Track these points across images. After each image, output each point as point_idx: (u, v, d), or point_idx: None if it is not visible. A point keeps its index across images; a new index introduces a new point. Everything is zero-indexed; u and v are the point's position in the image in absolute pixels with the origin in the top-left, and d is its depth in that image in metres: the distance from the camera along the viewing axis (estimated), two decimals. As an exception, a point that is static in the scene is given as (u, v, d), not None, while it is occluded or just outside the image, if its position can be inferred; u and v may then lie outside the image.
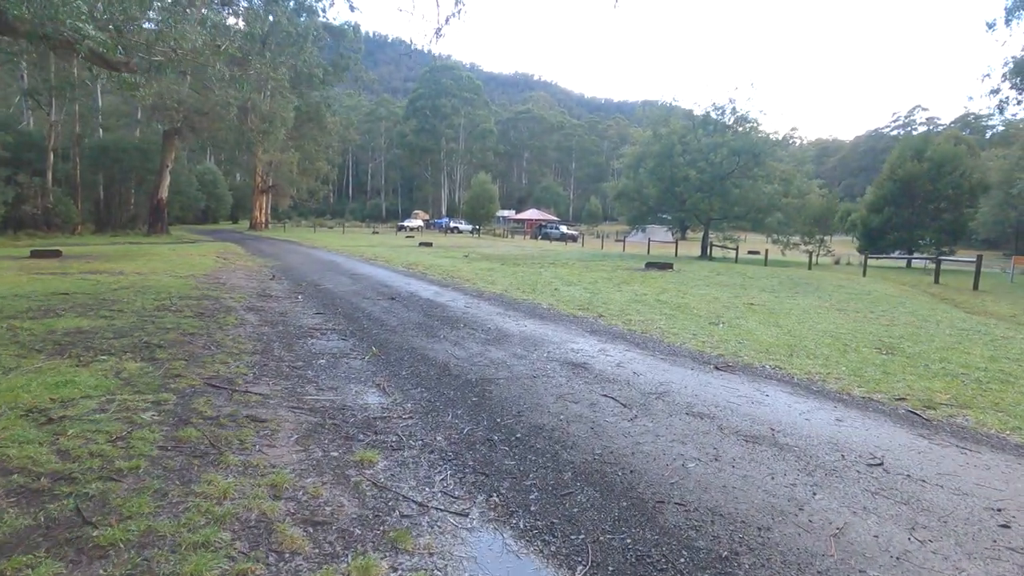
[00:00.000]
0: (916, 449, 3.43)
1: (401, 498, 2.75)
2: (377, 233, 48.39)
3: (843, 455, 3.28)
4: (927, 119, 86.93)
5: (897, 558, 2.27)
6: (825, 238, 34.05)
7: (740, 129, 30.65)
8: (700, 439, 3.46)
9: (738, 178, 29.25)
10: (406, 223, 60.31)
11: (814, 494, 2.79)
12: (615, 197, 34.48)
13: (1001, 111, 30.01)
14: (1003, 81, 36.27)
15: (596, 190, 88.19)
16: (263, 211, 45.90)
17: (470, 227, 57.31)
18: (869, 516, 2.60)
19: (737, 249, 29.68)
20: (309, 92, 40.53)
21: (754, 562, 2.25)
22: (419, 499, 2.74)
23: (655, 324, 7.43)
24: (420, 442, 3.43)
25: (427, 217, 72.41)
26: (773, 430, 3.63)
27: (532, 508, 2.67)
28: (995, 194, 34.04)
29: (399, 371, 4.92)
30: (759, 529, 2.48)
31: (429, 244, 29.19)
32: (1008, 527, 2.54)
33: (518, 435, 3.52)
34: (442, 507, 2.67)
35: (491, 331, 6.62)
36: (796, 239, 32.96)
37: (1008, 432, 3.82)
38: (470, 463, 3.15)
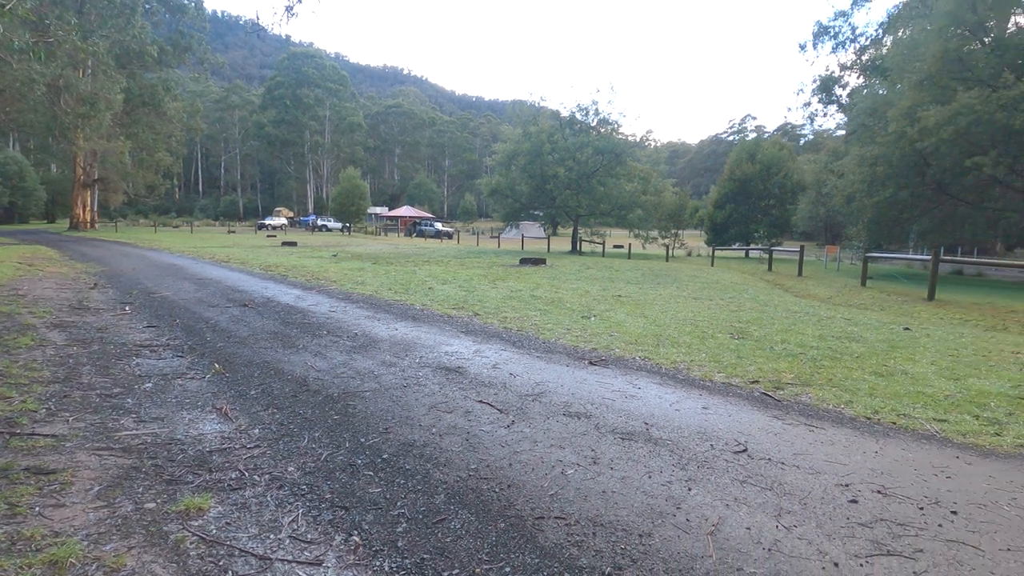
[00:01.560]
0: (773, 431, 3.62)
1: (237, 553, 2.25)
2: (233, 232, 44.17)
3: (712, 444, 3.35)
4: (756, 127, 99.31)
5: (769, 549, 2.28)
6: (679, 232, 37.29)
7: (603, 130, 32.39)
8: (578, 441, 3.34)
9: (603, 176, 30.88)
10: (268, 221, 55.85)
11: (689, 490, 2.77)
12: (489, 194, 34.74)
13: (811, 121, 34.91)
14: (812, 96, 42.17)
15: (470, 187, 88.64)
16: (87, 208, 39.61)
17: (340, 225, 54.53)
18: (741, 507, 2.61)
19: (604, 244, 31.37)
20: (142, 73, 35.62)
21: (637, 575, 2.12)
22: (261, 551, 2.27)
23: (530, 320, 7.38)
24: (267, 476, 2.91)
25: (292, 215, 67.70)
26: (647, 424, 3.63)
27: (399, 544, 2.33)
28: (809, 193, 39.61)
29: (247, 390, 4.26)
30: (640, 536, 2.37)
31: (293, 244, 27.12)
32: (856, 502, 2.70)
33: (385, 456, 3.14)
34: (290, 558, 2.23)
35: (358, 337, 6.09)
36: (655, 234, 35.68)
37: (843, 406, 4.21)
38: (328, 496, 2.71)
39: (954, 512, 2.64)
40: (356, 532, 2.41)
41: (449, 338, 6.19)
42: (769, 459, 3.17)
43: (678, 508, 2.59)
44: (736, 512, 2.57)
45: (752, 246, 33.56)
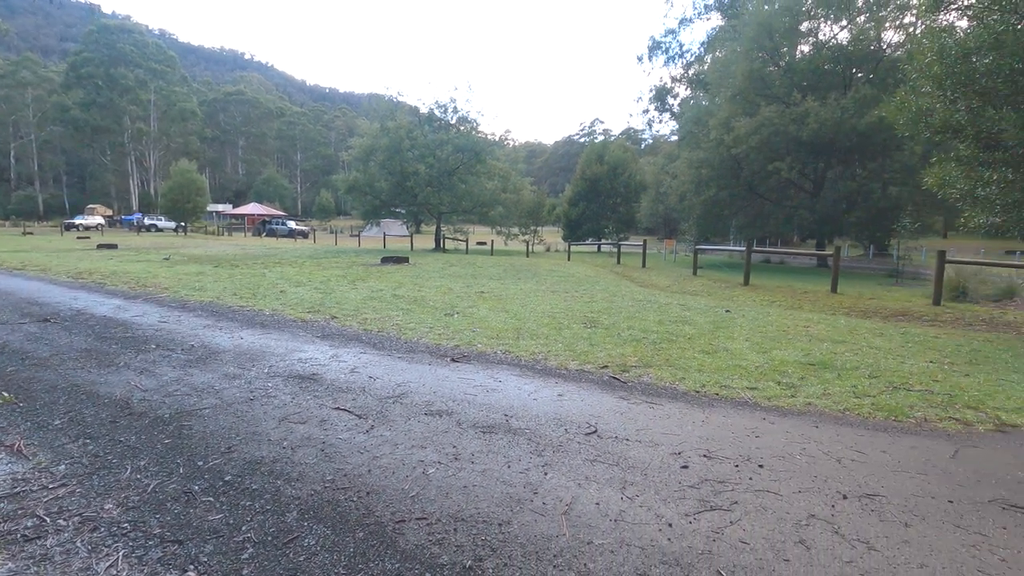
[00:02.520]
0: (619, 411, 3.94)
1: (35, 615, 1.90)
2: (31, 234, 37.24)
3: (566, 429, 3.55)
4: (604, 130, 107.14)
5: (615, 520, 2.48)
6: (538, 229, 39.02)
7: (462, 128, 32.67)
8: (440, 439, 3.34)
9: (464, 174, 31.17)
10: (79, 220, 47.94)
11: (546, 474, 2.91)
12: (346, 191, 33.28)
13: (650, 127, 38.53)
14: (650, 104, 46.40)
15: (326, 183, 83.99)
16: None
17: (173, 225, 48.54)
18: (591, 485, 2.81)
19: (467, 241, 31.73)
20: None
21: (497, 564, 2.18)
22: (68, 607, 1.94)
23: (392, 320, 7.22)
24: (76, 518, 2.50)
25: (110, 213, 58.87)
26: (507, 416, 3.75)
27: (245, 572, 2.14)
28: (650, 192, 43.80)
29: (49, 421, 3.61)
30: (500, 525, 2.43)
31: (113, 246, 23.56)
32: (687, 467, 3.05)
33: (228, 478, 2.86)
34: (106, 609, 1.93)
35: (195, 350, 5.47)
36: (515, 230, 36.94)
37: (677, 382, 4.72)
38: (157, 531, 2.40)
39: (761, 466, 3.09)
40: (192, 566, 2.17)
41: (303, 344, 5.82)
42: (616, 437, 3.44)
43: (535, 493, 2.71)
44: (587, 490, 2.75)
45: (603, 241, 36.19)
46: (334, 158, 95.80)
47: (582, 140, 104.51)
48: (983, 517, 2.60)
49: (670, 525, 2.45)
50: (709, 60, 37.67)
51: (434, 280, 12.70)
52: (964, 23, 8.36)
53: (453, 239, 33.36)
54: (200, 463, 3.02)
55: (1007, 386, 4.84)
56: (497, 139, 34.64)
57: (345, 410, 3.82)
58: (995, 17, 7.44)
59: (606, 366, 5.17)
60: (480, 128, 33.12)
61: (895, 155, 20.61)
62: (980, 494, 2.83)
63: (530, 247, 33.60)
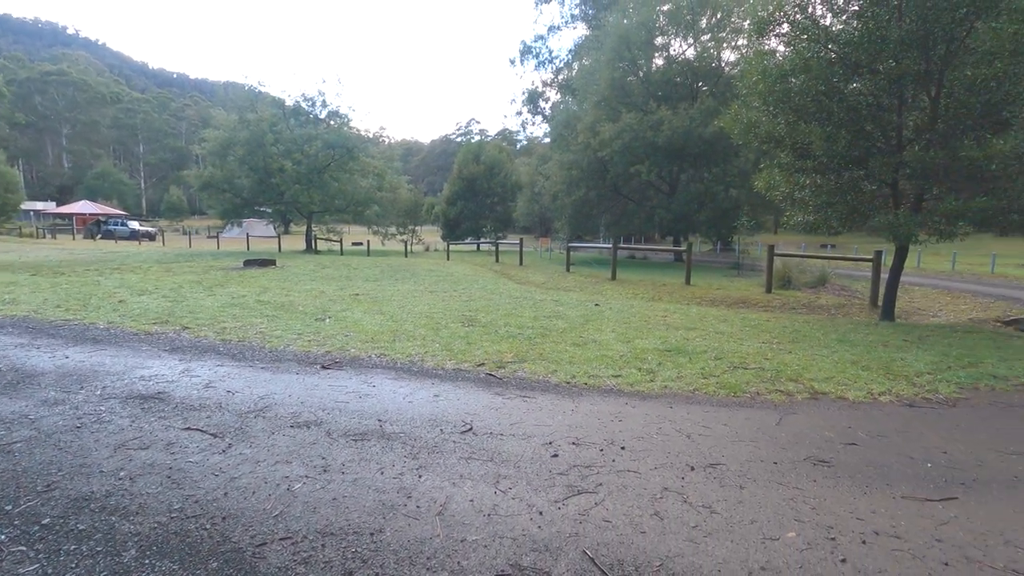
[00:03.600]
0: (495, 407, 4.01)
1: None
2: None
3: (442, 429, 3.54)
4: (480, 130, 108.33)
5: (488, 515, 2.52)
6: (416, 228, 38.48)
7: (332, 123, 31.19)
8: (308, 452, 3.16)
9: (336, 171, 29.78)
10: None
11: (420, 477, 2.88)
12: (200, 188, 30.23)
13: (524, 128, 39.66)
14: (523, 106, 47.77)
15: (177, 179, 75.65)
16: None
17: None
18: (466, 483, 2.83)
19: (341, 241, 30.39)
20: None
21: (368, 574, 2.12)
22: None
23: (255, 328, 6.69)
24: None
25: None
26: (381, 421, 3.65)
27: (68, 627, 1.85)
28: (526, 192, 45.16)
29: None
30: (372, 535, 2.36)
31: None
32: (557, 456, 3.19)
33: (46, 521, 2.46)
34: None
35: (2, 374, 4.63)
36: (393, 230, 36.09)
37: (550, 375, 4.92)
38: (-54, 596, 2.00)
39: (623, 448, 3.33)
40: (-4, 631, 1.84)
41: (147, 360, 5.18)
42: (491, 433, 3.51)
43: (409, 497, 2.67)
44: (461, 488, 2.77)
45: (482, 240, 36.66)
46: (185, 151, 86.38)
47: (459, 139, 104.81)
48: (799, 473, 3.04)
49: (540, 513, 2.55)
50: (577, 67, 39.73)
51: (304, 283, 11.99)
52: (782, 48, 9.67)
53: (326, 240, 31.76)
54: (8, 507, 2.57)
55: (819, 360, 5.70)
56: (371, 136, 33.56)
57: (198, 430, 3.47)
58: (804, 44, 8.72)
59: (483, 364, 5.24)
60: (352, 124, 31.86)
61: (734, 161, 23.32)
62: (797, 454, 3.30)
63: (408, 247, 33.05)
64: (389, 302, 9.30)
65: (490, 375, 4.89)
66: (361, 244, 31.95)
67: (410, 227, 37.96)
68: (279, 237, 31.82)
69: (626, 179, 25.99)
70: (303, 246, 31.84)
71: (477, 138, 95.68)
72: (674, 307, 10.17)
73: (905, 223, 7.99)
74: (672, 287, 14.70)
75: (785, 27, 8.88)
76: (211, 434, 3.40)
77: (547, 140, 53.55)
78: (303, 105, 31.23)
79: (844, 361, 5.67)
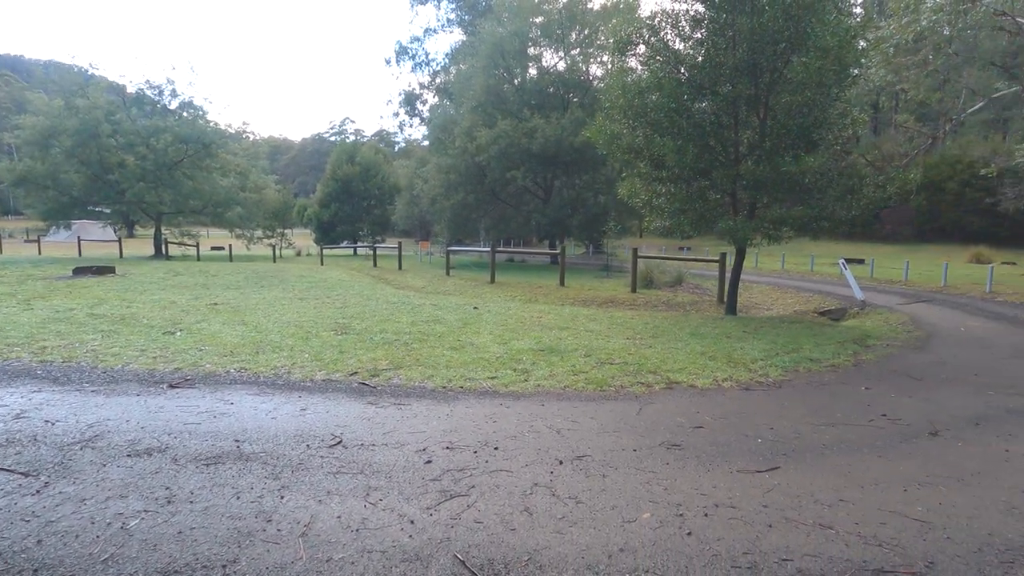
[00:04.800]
0: (367, 417, 3.88)
1: None
2: None
3: (308, 445, 3.35)
4: (355, 130, 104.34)
5: (357, 530, 2.43)
6: (286, 231, 36.07)
7: (185, 115, 28.25)
8: (148, 483, 2.82)
9: (190, 169, 26.99)
10: None
11: (282, 498, 2.70)
12: (14, 183, 25.72)
13: (402, 130, 38.97)
14: (400, 107, 46.93)
15: (-17, 172, 63.56)
16: None
17: None
18: (333, 499, 2.70)
19: (198, 246, 27.59)
20: None
21: (219, 611, 1.94)
22: None
23: (86, 346, 5.83)
24: None
25: None
26: (238, 442, 3.36)
27: None
28: (404, 194, 44.32)
29: None
30: (224, 566, 2.16)
31: None
32: (431, 462, 3.16)
33: None
34: None
35: None
36: (259, 233, 33.48)
37: (426, 380, 4.87)
38: None
39: (496, 448, 3.39)
40: None
41: (-65, 390, 4.29)
42: (362, 444, 3.39)
43: (269, 521, 2.49)
44: (328, 505, 2.64)
45: (359, 244, 35.35)
46: (-6, 140, 72.89)
47: (333, 139, 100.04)
48: (655, 458, 3.31)
49: (412, 522, 2.51)
50: (454, 71, 39.87)
51: (151, 293, 10.70)
52: (641, 67, 10.52)
53: (180, 244, 28.62)
54: None
55: (674, 353, 6.26)
56: (233, 131, 30.84)
57: (4, 469, 2.94)
58: (658, 65, 9.57)
59: (356, 372, 5.05)
60: (210, 117, 29.04)
61: (602, 169, 24.88)
62: (654, 440, 3.60)
63: (277, 251, 30.89)
64: (253, 311, 8.61)
65: (363, 384, 4.72)
66: (222, 249, 29.15)
67: (279, 230, 35.41)
68: (120, 241, 28.07)
69: (503, 184, 26.57)
70: (151, 251, 28.42)
71: (352, 138, 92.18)
72: (549, 308, 10.59)
73: (742, 228, 9.06)
74: (548, 289, 15.29)
75: (642, 48, 9.66)
76: (21, 473, 2.90)
77: (426, 143, 53.12)
78: (148, 93, 27.90)
79: (695, 353, 6.29)
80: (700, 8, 9.20)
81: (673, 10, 9.34)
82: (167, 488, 2.77)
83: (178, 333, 6.66)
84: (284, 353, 5.72)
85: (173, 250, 28.59)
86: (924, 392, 4.92)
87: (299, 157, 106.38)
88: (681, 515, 2.62)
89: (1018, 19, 14.33)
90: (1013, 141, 17.47)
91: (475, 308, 9.72)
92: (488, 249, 18.61)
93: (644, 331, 7.76)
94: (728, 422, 4.00)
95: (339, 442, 3.40)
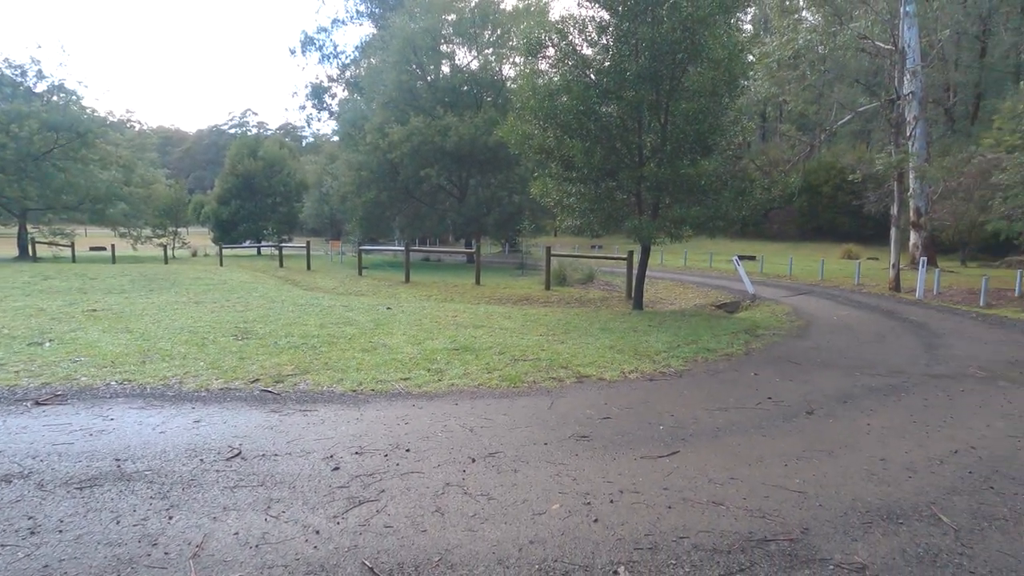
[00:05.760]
0: (269, 426, 3.68)
1: None
2: None
3: (202, 459, 3.12)
4: (258, 123, 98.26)
5: (257, 546, 2.29)
6: (180, 230, 33.28)
7: (56, 99, 25.29)
8: (4, 514, 2.49)
9: (61, 160, 24.20)
10: None
11: (171, 519, 2.49)
12: None
13: (309, 124, 37.26)
14: (307, 100, 44.89)
15: None
16: None
17: None
18: (230, 515, 2.53)
19: (73, 246, 24.78)
20: None
21: (94, 649, 1.75)
22: None
23: (-71, 362, 5.06)
24: None
25: None
26: (119, 460, 3.06)
27: None
28: (313, 192, 42.39)
29: None
30: (100, 599, 1.96)
31: None
32: (338, 468, 3.05)
33: None
34: None
35: None
36: (148, 232, 30.63)
37: (335, 384, 4.69)
38: None
39: (408, 450, 3.34)
40: None
41: None
42: (264, 455, 3.20)
43: (154, 545, 2.28)
44: (224, 522, 2.47)
45: (264, 243, 33.39)
46: None
47: (233, 131, 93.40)
48: (565, 450, 3.41)
49: (317, 532, 2.41)
50: (365, 65, 38.67)
51: (14, 299, 9.48)
52: (551, 69, 10.77)
53: (51, 244, 25.56)
54: None
55: (584, 348, 6.48)
56: (115, 119, 27.98)
57: None
58: (567, 68, 9.84)
59: (257, 379, 4.76)
60: (85, 103, 26.19)
61: (516, 169, 25.18)
62: (564, 433, 3.70)
63: (170, 252, 28.41)
64: (140, 317, 7.88)
65: (266, 391, 4.47)
66: (103, 249, 26.27)
67: (171, 229, 32.53)
68: (-25, 241, 24.60)
69: (417, 182, 26.16)
70: (15, 252, 25.16)
71: (255, 131, 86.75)
72: (464, 307, 10.58)
73: (647, 227, 9.55)
74: (463, 287, 15.27)
75: (551, 51, 9.88)
76: None
77: (336, 138, 51.13)
78: (7, 73, 24.68)
79: (604, 347, 6.54)
80: (605, 15, 9.57)
81: (580, 16, 9.64)
82: (30, 518, 2.46)
83: (47, 344, 5.95)
84: (176, 362, 5.28)
85: (43, 251, 25.47)
86: (803, 375, 5.44)
87: (194, 150, 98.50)
88: (589, 503, 2.72)
89: (877, 43, 16.22)
90: (874, 151, 19.78)
91: (388, 308, 9.51)
92: (403, 248, 18.27)
93: (557, 327, 7.96)
94: (633, 412, 4.19)
95: (237, 454, 3.19)
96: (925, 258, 14.19)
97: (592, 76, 9.71)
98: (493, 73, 28.73)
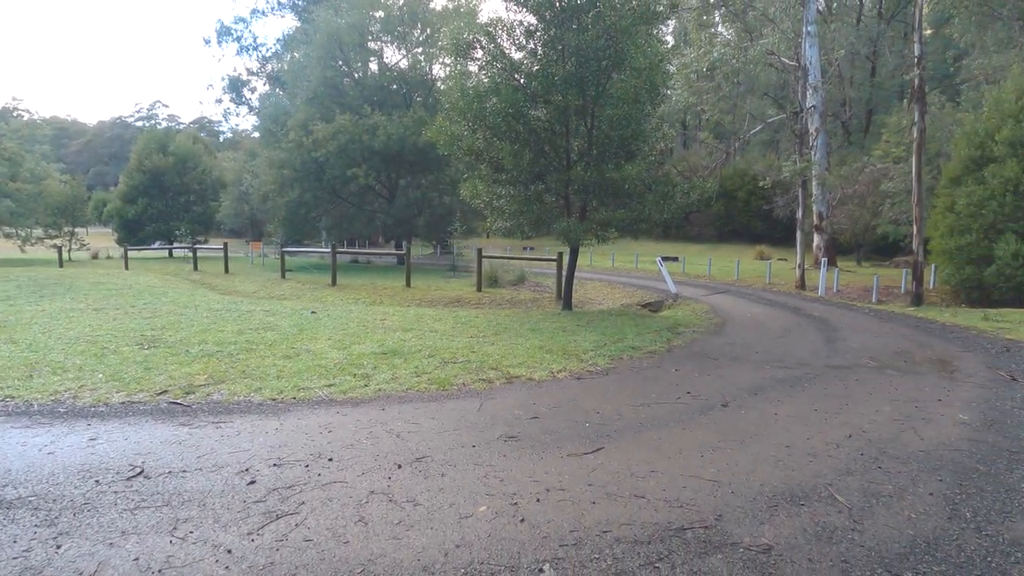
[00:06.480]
0: (178, 440, 3.43)
1: None
2: None
3: (98, 480, 2.86)
4: (169, 115, 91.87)
5: (159, 571, 2.13)
6: (78, 230, 30.43)
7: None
8: None
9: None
10: None
11: (58, 548, 2.26)
12: None
13: (227, 119, 35.21)
14: (224, 94, 42.42)
15: None
16: None
17: None
18: (129, 539, 2.33)
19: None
20: None
21: None
22: None
23: None
24: None
25: None
26: (-3, 487, 2.75)
27: None
28: (232, 190, 40.12)
29: None
30: (-31, 644, 1.75)
31: None
32: (255, 482, 2.89)
33: None
34: None
35: None
36: (39, 232, 27.81)
37: (253, 394, 4.45)
38: None
39: (331, 459, 3.22)
40: None
41: None
42: (170, 472, 2.98)
43: (38, 578, 2.07)
44: (122, 548, 2.28)
45: (176, 245, 31.22)
46: None
47: (140, 124, 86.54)
48: (493, 451, 3.41)
49: (229, 551, 2.27)
50: (289, 59, 37.03)
51: None
52: (480, 71, 10.78)
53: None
54: None
55: (514, 349, 6.52)
56: (-5, 107, 25.19)
57: None
58: (495, 71, 9.89)
59: (165, 391, 4.44)
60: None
61: (446, 170, 25.00)
62: (492, 434, 3.70)
63: (66, 254, 25.91)
64: (27, 327, 7.13)
65: (175, 403, 4.16)
66: (-15, 251, 23.60)
67: (67, 229, 29.65)
68: None
69: (344, 182, 25.35)
70: None
71: (165, 124, 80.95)
72: (394, 310, 10.37)
73: (574, 229, 9.76)
74: (393, 290, 14.97)
75: (480, 53, 9.89)
76: None
77: (256, 134, 48.62)
78: None
79: (534, 347, 6.62)
80: (533, 20, 9.70)
81: (509, 19, 9.72)
82: None
83: (-89, 358, 5.25)
84: (69, 375, 4.82)
85: (-92, 253, 22.51)
86: (719, 370, 5.75)
87: (95, 143, 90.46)
88: (516, 503, 2.73)
89: (783, 59, 17.48)
90: (781, 159, 21.33)
91: (313, 313, 9.15)
92: (329, 250, 17.65)
93: (487, 329, 7.97)
94: (561, 410, 4.27)
95: (139, 472, 2.95)
96: (826, 259, 15.45)
97: (521, 79, 9.81)
98: (423, 72, 28.41)
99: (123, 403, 4.15)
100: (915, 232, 12.08)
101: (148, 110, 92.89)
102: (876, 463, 3.30)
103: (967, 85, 20.39)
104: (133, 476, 2.91)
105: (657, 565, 2.23)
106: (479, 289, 14.69)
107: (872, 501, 2.81)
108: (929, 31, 25.85)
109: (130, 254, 24.49)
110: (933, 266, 14.15)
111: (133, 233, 31.32)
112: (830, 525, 2.56)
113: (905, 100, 20.30)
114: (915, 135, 11.95)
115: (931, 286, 14.19)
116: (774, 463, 3.28)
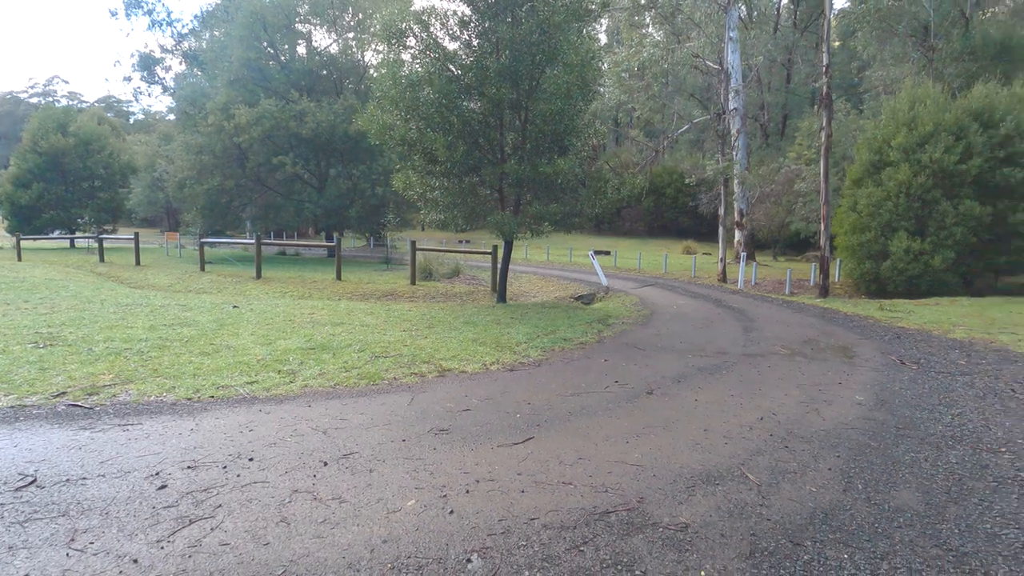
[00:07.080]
0: (77, 446, 3.16)
1: None
2: None
3: (-20, 492, 2.59)
4: (69, 92, 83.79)
5: (53, 587, 1.96)
6: (-41, 217, 27.24)
7: None
8: None
9: None
10: None
11: (-69, 569, 2.03)
12: None
13: (137, 99, 32.55)
14: (134, 71, 39.33)
15: None
16: None
17: None
18: (18, 555, 2.13)
19: None
20: None
21: None
22: None
23: None
24: None
25: None
26: None
27: None
28: (144, 176, 37.21)
29: None
30: None
31: None
32: (166, 487, 2.72)
33: None
34: None
35: None
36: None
37: (165, 393, 4.18)
38: None
39: (251, 459, 3.08)
40: None
41: None
42: (67, 480, 2.75)
43: (-96, 604, 1.85)
44: (11, 564, 2.08)
45: (80, 235, 28.65)
46: None
47: (35, 100, 78.45)
48: (423, 445, 3.38)
49: (135, 561, 2.13)
50: (208, 37, 34.69)
51: None
52: (413, 60, 10.56)
53: None
54: None
55: (447, 342, 6.49)
56: None
57: None
58: (429, 60, 9.73)
59: (63, 393, 4.08)
60: None
61: (379, 160, 24.35)
62: (423, 428, 3.67)
63: (-54, 243, 23.13)
64: None
65: (74, 406, 3.84)
66: None
67: (-54, 216, 26.49)
68: None
69: (270, 170, 24.14)
70: None
71: (64, 102, 73.83)
72: (323, 303, 10.03)
73: (509, 222, 9.80)
74: (323, 283, 14.48)
75: (413, 42, 9.70)
76: None
77: (172, 116, 45.34)
78: None
79: (467, 340, 6.61)
80: (467, 10, 9.61)
81: (442, 9, 9.58)
82: None
83: None
84: (-53, 377, 4.33)
85: None
86: (645, 360, 5.98)
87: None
88: (445, 496, 2.73)
89: (707, 62, 18.29)
90: (706, 158, 22.37)
91: (235, 307, 8.68)
92: (253, 241, 16.78)
93: (421, 322, 7.87)
94: (493, 402, 4.29)
95: (31, 482, 2.70)
96: (746, 253, 16.38)
97: (456, 71, 9.70)
98: (355, 59, 27.49)
99: (13, 407, 3.77)
100: (822, 229, 13.03)
101: (44, 86, 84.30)
102: (783, 443, 3.55)
103: (869, 94, 22.20)
104: (23, 486, 2.66)
105: (582, 548, 2.30)
106: (413, 282, 14.48)
107: (779, 478, 3.02)
108: (837, 43, 27.90)
109: (24, 244, 22.23)
110: (838, 261, 15.37)
111: (28, 221, 28.43)
112: (741, 502, 2.74)
113: (815, 106, 21.80)
114: (823, 139, 12.87)
115: (836, 279, 15.40)
116: (693, 446, 3.46)
